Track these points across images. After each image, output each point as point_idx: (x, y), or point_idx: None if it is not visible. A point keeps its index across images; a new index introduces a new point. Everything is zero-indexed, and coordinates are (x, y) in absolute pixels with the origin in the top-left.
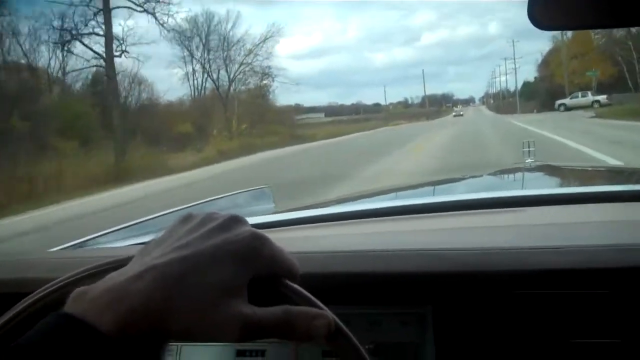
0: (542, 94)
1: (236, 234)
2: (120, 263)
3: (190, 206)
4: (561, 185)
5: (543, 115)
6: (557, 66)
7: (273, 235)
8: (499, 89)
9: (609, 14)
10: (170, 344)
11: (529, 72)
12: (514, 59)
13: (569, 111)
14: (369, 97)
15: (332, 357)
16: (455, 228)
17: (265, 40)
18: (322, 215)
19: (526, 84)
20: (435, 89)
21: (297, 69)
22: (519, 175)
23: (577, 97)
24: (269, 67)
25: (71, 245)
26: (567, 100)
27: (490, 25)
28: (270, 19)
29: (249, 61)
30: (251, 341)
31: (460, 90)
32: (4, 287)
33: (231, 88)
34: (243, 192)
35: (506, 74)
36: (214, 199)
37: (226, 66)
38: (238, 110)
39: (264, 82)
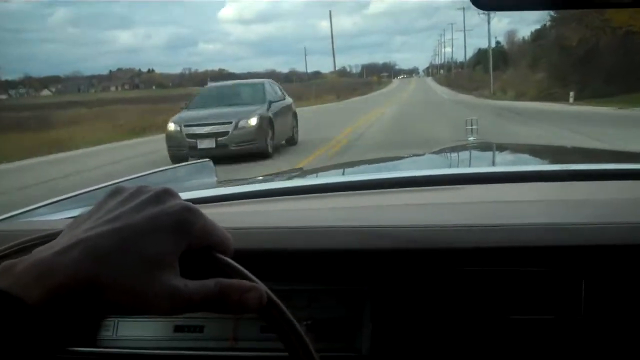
0: (551, 57)
1: (167, 207)
2: (49, 237)
3: (128, 179)
4: (502, 164)
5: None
6: None
7: (212, 210)
8: (450, 58)
9: None
10: (107, 318)
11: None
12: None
13: None
14: (313, 65)
15: (271, 333)
16: (395, 205)
17: None
18: (262, 191)
19: (482, 53)
20: (380, 59)
21: (243, 34)
22: (461, 153)
23: None
24: None
25: (3, 219)
26: None
27: None
28: None
29: None
30: (183, 314)
31: (404, 60)
32: None
33: None
34: (184, 165)
35: (465, 36)
36: (154, 172)
37: None
38: None
39: None
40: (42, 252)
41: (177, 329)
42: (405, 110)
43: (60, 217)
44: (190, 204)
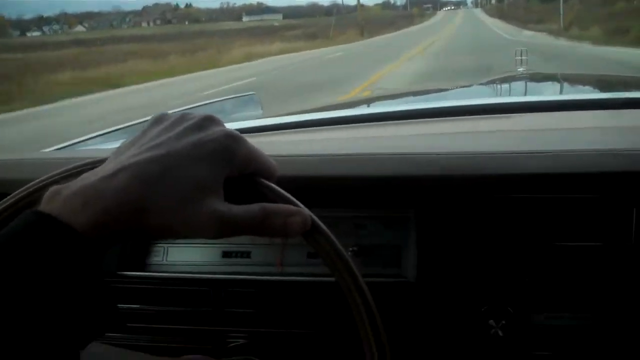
0: None
1: (210, 133)
2: (95, 164)
3: (175, 112)
4: (553, 93)
5: None
6: None
7: (257, 139)
8: None
9: None
10: (157, 244)
11: None
12: None
13: None
14: None
15: (317, 259)
16: (442, 133)
17: None
18: (308, 121)
19: None
20: None
21: None
22: (511, 83)
23: None
24: None
25: (62, 147)
26: None
27: None
28: None
29: None
30: (228, 237)
31: None
32: None
33: None
34: (230, 98)
35: None
36: (201, 105)
37: None
38: None
39: None
40: (88, 177)
41: (225, 254)
42: (440, 66)
43: (109, 146)
44: (233, 130)
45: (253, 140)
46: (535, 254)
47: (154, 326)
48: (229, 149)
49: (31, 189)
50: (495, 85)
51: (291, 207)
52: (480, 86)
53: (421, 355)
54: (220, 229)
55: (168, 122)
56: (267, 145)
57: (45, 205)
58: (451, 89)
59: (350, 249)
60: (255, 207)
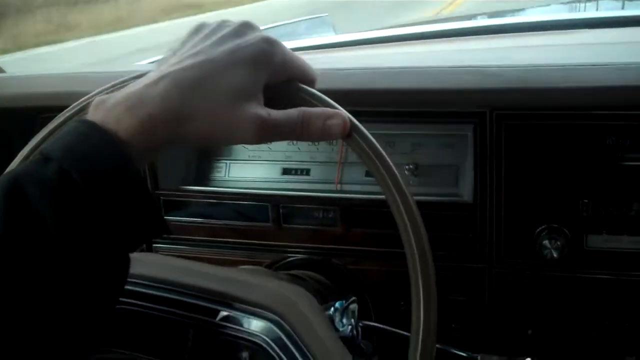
0: None
1: (247, 39)
2: (141, 76)
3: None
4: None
5: None
6: None
7: (325, 55)
8: None
9: None
10: (219, 161)
11: None
12: None
13: None
14: None
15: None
16: (508, 47)
17: None
18: (377, 38)
19: None
20: None
21: None
22: (597, 2)
23: None
24: None
25: (155, 61)
26: None
27: None
28: None
29: None
30: (269, 142)
31: None
32: (50, 100)
33: None
34: (302, 20)
35: None
36: (273, 26)
37: None
38: None
39: None
40: (132, 87)
41: (285, 172)
42: None
43: None
44: (269, 35)
45: (321, 55)
46: (597, 174)
47: (214, 239)
48: (266, 53)
49: (83, 104)
50: (577, 3)
51: (329, 109)
52: (560, 5)
53: (473, 275)
54: (260, 133)
55: (207, 31)
56: (330, 60)
57: (91, 113)
58: (527, 9)
59: (407, 167)
60: (294, 112)
